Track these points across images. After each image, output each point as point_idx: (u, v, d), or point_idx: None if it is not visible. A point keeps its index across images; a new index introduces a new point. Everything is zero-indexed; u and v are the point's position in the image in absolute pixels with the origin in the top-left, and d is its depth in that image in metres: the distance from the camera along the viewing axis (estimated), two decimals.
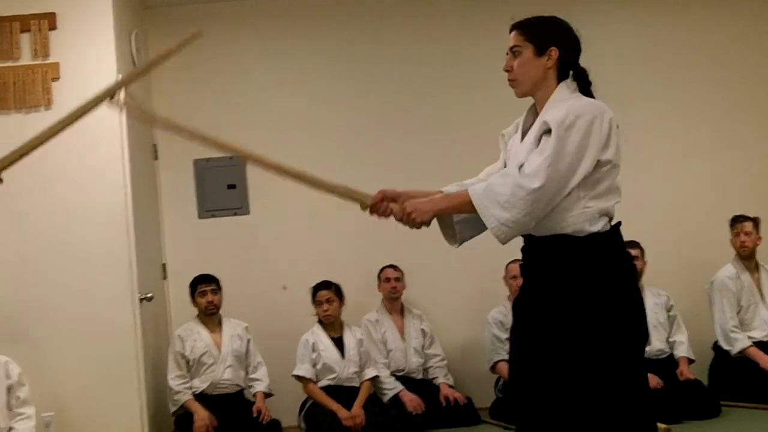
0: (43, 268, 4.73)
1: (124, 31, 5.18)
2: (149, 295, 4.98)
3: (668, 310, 5.46)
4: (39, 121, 4.70)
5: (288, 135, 5.82)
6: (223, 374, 5.10)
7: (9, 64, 4.81)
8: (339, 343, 5.22)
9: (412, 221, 2.62)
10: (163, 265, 5.74)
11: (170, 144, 5.80)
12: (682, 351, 5.35)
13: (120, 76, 4.67)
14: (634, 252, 5.33)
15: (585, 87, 2.68)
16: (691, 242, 5.89)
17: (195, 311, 5.26)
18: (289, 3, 5.96)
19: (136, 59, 5.35)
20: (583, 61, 6.23)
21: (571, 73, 2.69)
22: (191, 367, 5.09)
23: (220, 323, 5.26)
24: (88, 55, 4.85)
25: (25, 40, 4.83)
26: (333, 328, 5.26)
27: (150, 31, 5.84)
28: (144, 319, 4.91)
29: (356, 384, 5.17)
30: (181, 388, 5.02)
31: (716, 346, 5.41)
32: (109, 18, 4.88)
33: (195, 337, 5.14)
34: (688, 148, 6.03)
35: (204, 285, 5.23)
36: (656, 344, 5.31)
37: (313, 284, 5.27)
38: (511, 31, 2.71)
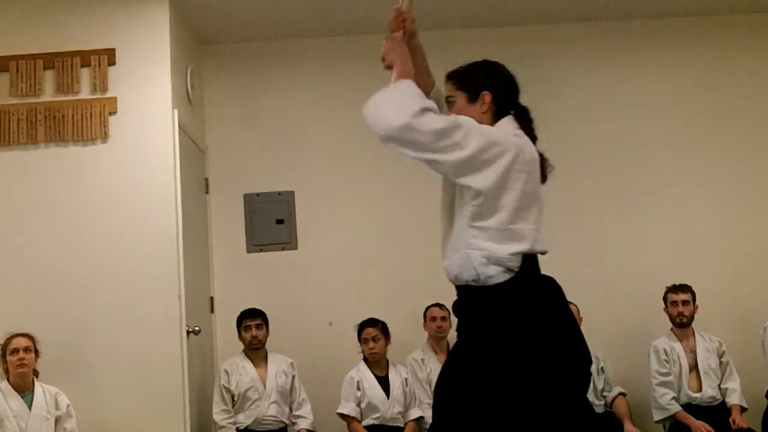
0: (95, 298, 4.79)
1: (181, 67, 5.27)
2: (197, 328, 5.01)
3: (720, 356, 5.33)
4: (96, 153, 4.87)
5: (341, 167, 5.90)
6: (267, 410, 5.08)
7: (69, 97, 4.92)
8: (384, 381, 5.18)
9: (384, 50, 2.69)
10: (211, 299, 5.77)
11: (221, 178, 5.89)
12: (734, 398, 5.21)
13: None
14: (684, 296, 5.29)
15: (527, 125, 2.64)
16: (744, 287, 5.78)
17: (241, 345, 5.27)
18: (337, 43, 6.03)
19: (191, 95, 5.44)
20: (634, 103, 6.24)
21: (512, 113, 2.66)
22: (236, 401, 5.09)
23: (265, 358, 5.26)
24: (145, 89, 4.95)
25: (85, 75, 4.95)
26: (378, 366, 5.23)
27: (205, 67, 5.96)
28: (191, 352, 4.94)
29: (401, 424, 5.12)
30: (226, 422, 5.01)
31: None
32: (166, 54, 4.98)
33: (240, 372, 5.14)
34: (744, 193, 5.94)
35: (249, 319, 5.25)
36: (708, 391, 5.19)
37: (360, 321, 5.26)
38: (446, 82, 2.72)
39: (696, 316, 5.34)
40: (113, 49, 4.97)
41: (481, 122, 2.58)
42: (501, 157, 2.45)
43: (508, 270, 2.45)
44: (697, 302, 5.34)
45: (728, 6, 5.98)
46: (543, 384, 2.41)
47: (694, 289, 5.33)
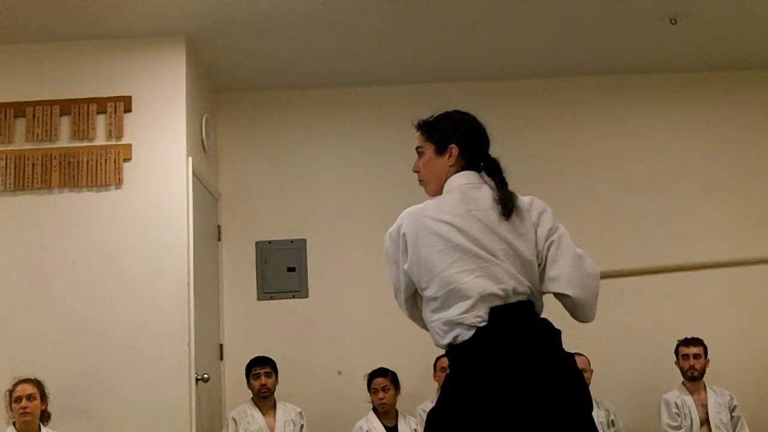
0: (105, 344, 4.79)
1: (196, 115, 5.33)
2: (206, 375, 4.99)
3: (731, 410, 5.29)
4: (110, 199, 4.90)
5: (353, 216, 5.93)
6: None
7: (84, 144, 4.97)
8: None
9: None
10: (221, 346, 5.76)
11: (234, 225, 5.92)
12: None
13: None
14: (696, 350, 5.26)
15: (496, 175, 2.59)
16: (756, 342, 5.75)
17: (250, 393, 5.25)
18: (352, 93, 6.10)
19: (205, 143, 5.49)
20: (650, 155, 6.18)
21: (482, 164, 2.64)
22: None
23: (274, 407, 5.23)
24: (160, 137, 5.00)
25: (100, 122, 5.01)
26: (388, 416, 5.19)
27: (219, 115, 6.02)
28: (199, 399, 4.92)
29: None
30: None
31: None
32: (181, 102, 5.04)
33: (249, 420, 5.11)
34: (754, 248, 5.91)
35: (258, 367, 5.23)
36: None
37: (369, 371, 5.24)
38: (416, 132, 2.73)
39: (708, 369, 5.31)
40: (129, 97, 5.03)
41: (447, 174, 2.62)
42: (402, 235, 2.54)
43: (471, 327, 2.39)
44: (708, 356, 5.31)
45: (750, 61, 6.03)
46: None
47: (706, 342, 5.31)
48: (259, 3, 4.78)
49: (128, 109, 5.02)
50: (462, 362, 2.40)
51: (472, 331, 2.38)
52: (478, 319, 2.39)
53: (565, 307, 2.51)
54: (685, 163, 6.07)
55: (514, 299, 2.42)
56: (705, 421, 5.23)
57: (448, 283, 2.42)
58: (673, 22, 5.21)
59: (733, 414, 5.29)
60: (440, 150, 2.63)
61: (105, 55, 5.08)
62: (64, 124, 5.02)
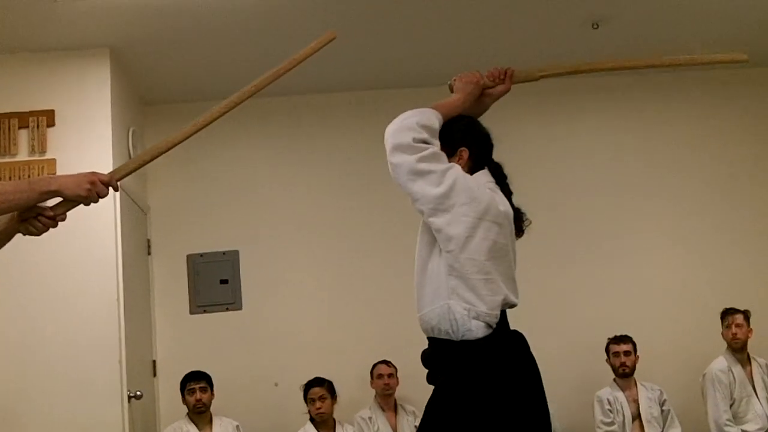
0: (33, 362, 4.67)
1: (122, 128, 5.24)
2: (138, 392, 4.90)
3: (661, 405, 5.42)
4: None
5: (285, 226, 5.91)
6: None
7: (6, 159, 4.84)
8: None
9: (462, 77, 2.81)
10: (153, 362, 5.67)
11: (164, 239, 5.84)
12: None
13: None
14: (626, 347, 5.37)
15: (500, 180, 2.70)
16: (685, 336, 5.86)
17: (185, 409, 5.18)
18: (280, 102, 6.02)
19: (132, 156, 5.40)
20: (585, 157, 6.25)
21: (486, 168, 2.71)
22: None
23: (210, 422, 5.17)
24: (85, 151, 4.88)
25: (23, 137, 4.88)
26: (325, 425, 5.17)
27: (147, 128, 5.91)
28: (133, 417, 4.84)
29: None
30: None
31: None
32: (107, 115, 4.95)
33: None
34: (682, 242, 6.07)
35: (193, 383, 5.17)
36: None
37: (306, 381, 5.22)
38: None
39: (638, 366, 5.43)
40: (52, 111, 4.92)
41: None
42: (473, 205, 2.48)
43: (488, 326, 2.45)
44: (638, 353, 5.42)
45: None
46: None
47: (635, 338, 5.42)
48: (182, 15, 4.72)
49: (51, 124, 4.90)
50: (483, 359, 2.45)
51: (488, 332, 2.45)
52: (494, 321, 2.47)
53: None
54: (627, 163, 6.16)
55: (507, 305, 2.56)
56: (637, 416, 5.35)
57: (488, 272, 2.48)
58: (595, 26, 5.29)
59: (663, 408, 5.42)
60: (450, 153, 2.64)
61: (26, 69, 4.96)
62: None
